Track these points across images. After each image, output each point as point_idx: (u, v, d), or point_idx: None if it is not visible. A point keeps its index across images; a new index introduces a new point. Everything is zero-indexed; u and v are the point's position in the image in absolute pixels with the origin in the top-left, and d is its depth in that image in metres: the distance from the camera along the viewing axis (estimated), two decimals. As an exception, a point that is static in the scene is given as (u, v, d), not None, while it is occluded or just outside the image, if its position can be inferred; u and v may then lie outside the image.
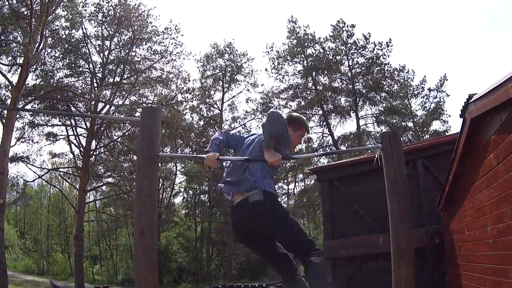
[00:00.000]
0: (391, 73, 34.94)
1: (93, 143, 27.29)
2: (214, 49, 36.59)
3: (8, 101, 22.46)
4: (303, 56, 35.37)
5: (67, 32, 25.19)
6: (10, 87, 22.45)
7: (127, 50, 27.77)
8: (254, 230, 3.81)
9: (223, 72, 36.34)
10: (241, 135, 4.43)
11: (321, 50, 35.18)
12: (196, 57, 33.95)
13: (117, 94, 27.28)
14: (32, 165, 26.92)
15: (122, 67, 27.90)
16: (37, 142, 26.84)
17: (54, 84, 24.75)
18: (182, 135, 32.81)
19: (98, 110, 26.01)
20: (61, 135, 27.67)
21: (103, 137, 28.22)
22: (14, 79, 22.09)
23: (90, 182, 28.77)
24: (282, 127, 3.58)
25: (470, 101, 3.87)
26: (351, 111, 35.09)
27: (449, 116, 34.53)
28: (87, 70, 27.18)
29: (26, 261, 39.38)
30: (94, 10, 26.48)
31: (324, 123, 35.06)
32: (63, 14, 24.06)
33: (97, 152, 28.50)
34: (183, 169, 39.14)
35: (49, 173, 32.76)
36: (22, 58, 21.62)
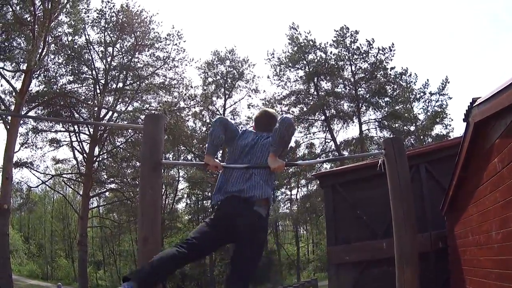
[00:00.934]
0: (393, 77, 34.92)
1: (96, 149, 27.35)
2: (215, 56, 36.70)
3: (12, 107, 22.54)
4: (305, 62, 35.42)
5: (70, 38, 25.36)
6: (14, 93, 22.55)
7: (129, 56, 27.89)
8: (232, 230, 3.45)
9: (225, 78, 36.41)
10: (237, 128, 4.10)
11: (323, 56, 35.24)
12: (197, 64, 33.92)
13: (120, 100, 27.36)
14: (36, 170, 27.09)
15: (124, 73, 28.01)
16: (40, 148, 27.02)
17: (57, 90, 24.87)
18: (184, 141, 32.82)
19: (101, 116, 26.07)
20: (65, 141, 27.83)
21: (106, 143, 28.27)
22: (18, 85, 22.24)
23: (94, 188, 28.79)
24: (292, 134, 3.54)
25: (474, 105, 3.86)
26: (354, 116, 35.08)
27: (452, 119, 34.59)
28: (90, 76, 27.31)
29: (30, 266, 39.56)
30: (97, 17, 26.67)
31: (327, 129, 35.06)
32: (66, 21, 24.21)
33: (100, 158, 28.56)
34: (186, 175, 39.15)
35: (53, 179, 32.87)
36: (26, 65, 21.70)
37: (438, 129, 34.98)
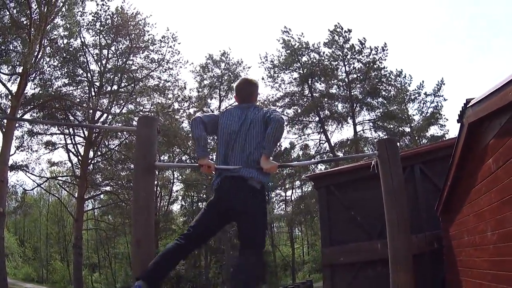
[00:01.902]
0: (387, 77, 34.99)
1: (91, 152, 27.27)
2: (210, 60, 36.54)
3: (8, 110, 22.48)
4: (299, 64, 35.42)
5: (65, 41, 25.27)
6: (10, 96, 22.48)
7: (124, 59, 27.83)
8: (230, 209, 3.56)
9: (220, 80, 36.33)
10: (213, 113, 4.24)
11: (317, 57, 35.27)
12: (191, 67, 33.93)
13: (114, 102, 27.29)
14: (31, 173, 27.06)
15: (119, 76, 27.92)
16: (36, 150, 26.96)
17: (53, 93, 24.78)
18: (179, 143, 32.74)
19: (96, 118, 26.02)
20: (60, 144, 27.75)
21: (100, 146, 28.19)
22: (14, 88, 22.18)
23: (89, 191, 28.71)
24: (282, 133, 3.57)
25: (468, 106, 3.86)
26: (348, 117, 35.10)
27: (447, 120, 34.72)
28: (85, 79, 27.22)
29: (26, 269, 39.45)
30: (92, 19, 26.59)
31: (321, 130, 35.07)
32: (62, 24, 24.10)
33: (95, 161, 28.48)
34: (180, 177, 39.05)
35: (48, 182, 32.79)
36: (22, 68, 21.65)
37: (433, 130, 35.14)
